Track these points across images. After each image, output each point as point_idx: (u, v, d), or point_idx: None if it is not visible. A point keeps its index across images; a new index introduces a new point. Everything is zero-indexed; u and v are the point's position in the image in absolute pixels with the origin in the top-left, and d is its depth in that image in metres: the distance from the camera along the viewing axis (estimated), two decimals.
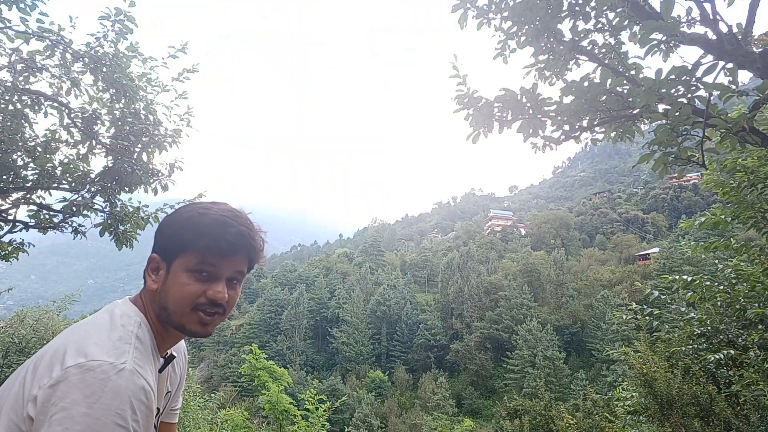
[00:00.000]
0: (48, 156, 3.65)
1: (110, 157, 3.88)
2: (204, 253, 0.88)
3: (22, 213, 3.88)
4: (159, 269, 0.92)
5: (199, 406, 5.66)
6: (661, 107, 2.44)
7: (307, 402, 5.40)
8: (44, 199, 3.98)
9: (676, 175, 2.76)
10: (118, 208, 4.01)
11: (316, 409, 5.29)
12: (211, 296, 0.89)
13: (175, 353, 1.04)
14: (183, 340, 1.06)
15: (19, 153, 3.63)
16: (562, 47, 2.91)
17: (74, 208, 3.84)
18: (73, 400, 0.71)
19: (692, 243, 4.59)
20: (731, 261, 4.20)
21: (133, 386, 0.76)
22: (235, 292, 0.95)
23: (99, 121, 3.83)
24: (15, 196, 3.82)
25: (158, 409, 0.96)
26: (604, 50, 2.97)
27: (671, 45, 2.45)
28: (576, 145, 3.37)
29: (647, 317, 4.65)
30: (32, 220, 3.90)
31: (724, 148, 2.51)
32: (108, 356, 0.77)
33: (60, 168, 3.73)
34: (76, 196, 3.85)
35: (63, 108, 3.75)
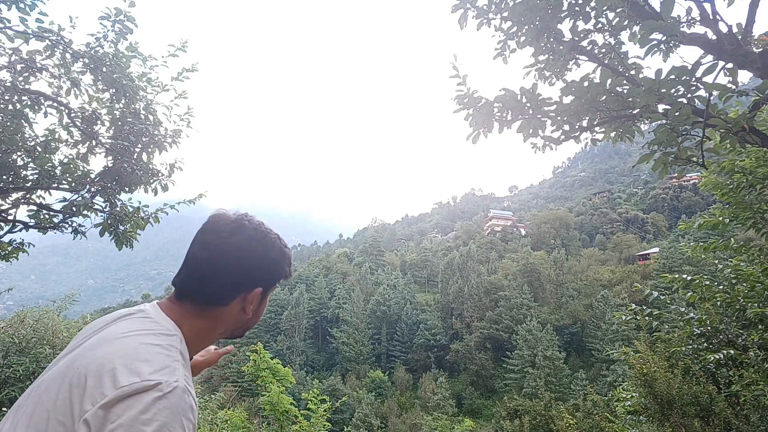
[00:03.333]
0: (48, 156, 3.65)
1: (110, 157, 3.87)
2: (284, 279, 1.04)
3: (22, 213, 3.88)
4: (252, 299, 1.00)
5: (198, 406, 5.65)
6: (661, 107, 2.44)
7: (309, 402, 5.40)
8: (44, 199, 3.97)
9: (676, 175, 2.76)
10: (118, 208, 4.01)
11: (318, 408, 5.29)
12: (264, 307, 1.06)
13: None
14: None
15: (19, 153, 3.63)
16: (562, 47, 2.91)
17: (74, 208, 3.83)
18: (132, 419, 0.74)
19: (692, 243, 4.59)
20: (731, 261, 4.20)
21: (185, 404, 0.79)
22: None
23: (99, 121, 3.83)
24: (15, 196, 3.82)
25: None
26: (604, 50, 2.97)
27: (671, 45, 2.45)
28: (576, 145, 3.38)
29: (647, 317, 4.65)
30: (32, 220, 3.89)
31: (723, 149, 2.51)
32: (161, 375, 0.79)
33: (60, 168, 3.73)
34: (76, 196, 3.84)
35: (63, 108, 3.74)
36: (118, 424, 0.73)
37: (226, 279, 0.94)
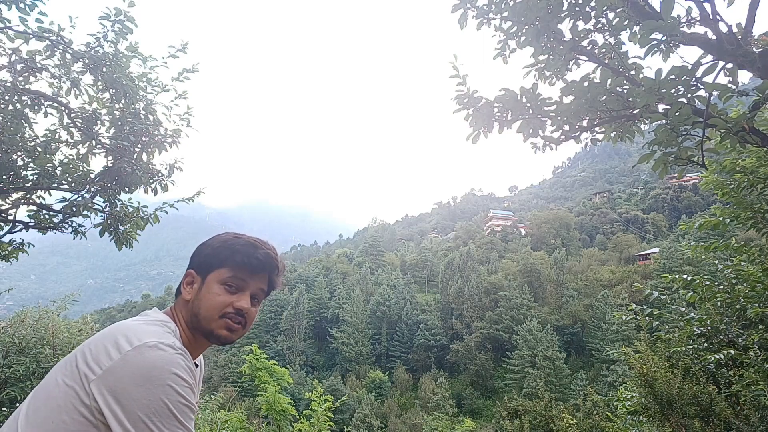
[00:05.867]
0: (48, 156, 3.65)
1: (110, 157, 3.87)
2: (236, 268, 1.03)
3: (22, 213, 3.88)
4: (193, 282, 1.06)
5: (199, 406, 5.66)
6: (661, 107, 2.44)
7: (313, 402, 5.39)
8: (44, 199, 3.97)
9: (676, 175, 2.76)
10: (117, 209, 4.01)
11: (320, 408, 5.28)
12: (238, 306, 1.03)
13: (198, 362, 1.17)
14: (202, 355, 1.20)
15: (19, 153, 3.63)
16: (562, 47, 2.91)
17: (74, 209, 3.83)
18: (144, 376, 0.83)
19: (692, 243, 4.59)
20: (731, 261, 4.20)
21: (183, 360, 0.90)
22: (255, 309, 1.09)
23: (99, 121, 3.83)
24: (15, 196, 3.82)
25: None
26: (604, 50, 2.97)
27: (671, 45, 2.45)
28: (576, 145, 3.38)
29: (647, 317, 4.65)
30: (32, 221, 3.89)
31: (724, 149, 2.51)
32: (159, 339, 0.90)
33: (60, 168, 3.73)
34: (76, 196, 3.84)
35: (63, 108, 3.74)
36: (135, 384, 0.82)
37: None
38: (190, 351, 1.04)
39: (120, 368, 0.83)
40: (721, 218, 4.04)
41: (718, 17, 2.36)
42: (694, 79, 2.24)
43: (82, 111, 3.79)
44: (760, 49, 2.33)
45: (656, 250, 53.88)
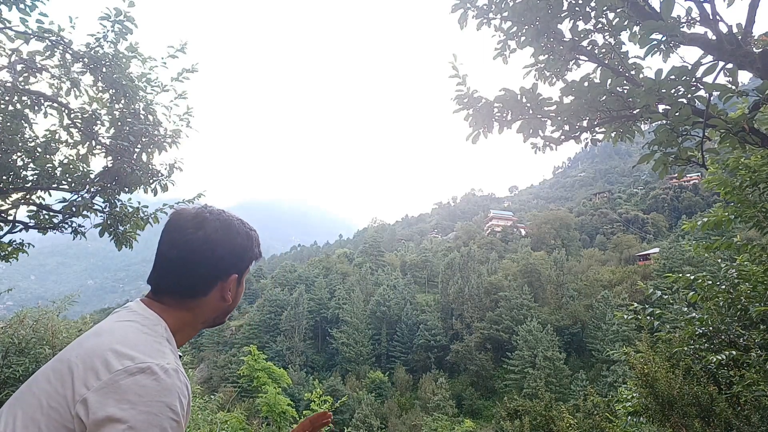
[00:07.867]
0: (48, 156, 3.65)
1: (110, 158, 3.88)
2: (255, 261, 1.07)
3: (22, 213, 3.88)
4: (231, 287, 1.02)
5: (198, 407, 5.65)
6: (661, 107, 2.44)
7: (312, 402, 5.38)
8: (44, 199, 3.97)
9: (676, 175, 2.76)
10: (117, 209, 4.01)
11: (319, 409, 5.28)
12: (241, 291, 1.08)
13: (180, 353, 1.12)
14: None
15: (19, 153, 3.63)
16: (562, 47, 2.91)
17: (74, 209, 3.83)
18: (131, 401, 0.76)
19: (693, 242, 4.58)
20: (735, 260, 4.19)
21: (179, 383, 0.83)
22: None
23: (99, 122, 3.83)
24: (15, 196, 3.82)
25: None
26: (604, 50, 2.97)
27: (671, 45, 2.45)
28: (576, 146, 3.38)
29: (648, 317, 4.64)
30: (32, 221, 3.89)
31: (724, 149, 2.51)
32: (153, 358, 0.82)
33: (60, 168, 3.73)
34: (76, 196, 3.84)
35: (63, 108, 3.74)
36: (120, 408, 0.75)
37: (200, 273, 0.96)
38: (180, 341, 0.98)
39: (109, 389, 0.77)
40: (725, 214, 4.04)
41: (718, 17, 2.36)
42: (694, 79, 2.24)
43: (82, 111, 3.79)
44: (760, 50, 2.33)
45: (656, 250, 53.87)
